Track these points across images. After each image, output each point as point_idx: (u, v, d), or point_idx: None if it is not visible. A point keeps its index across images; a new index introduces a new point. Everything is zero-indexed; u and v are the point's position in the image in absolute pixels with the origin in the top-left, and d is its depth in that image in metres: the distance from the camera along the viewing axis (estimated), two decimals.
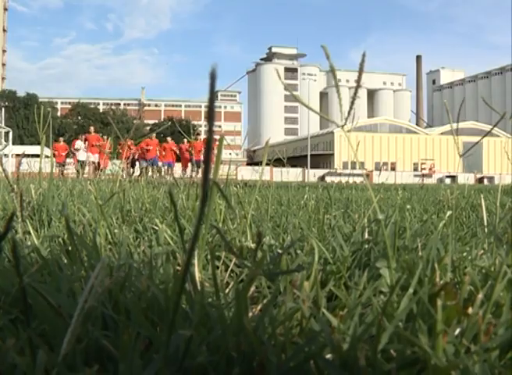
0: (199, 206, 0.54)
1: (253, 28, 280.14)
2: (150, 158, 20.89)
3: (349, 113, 0.80)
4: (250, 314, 0.79)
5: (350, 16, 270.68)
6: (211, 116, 0.56)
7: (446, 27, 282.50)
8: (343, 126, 0.82)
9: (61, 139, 24.01)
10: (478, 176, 47.86)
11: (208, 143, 0.55)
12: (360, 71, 0.77)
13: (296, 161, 58.54)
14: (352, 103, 0.80)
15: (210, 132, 0.58)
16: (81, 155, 21.15)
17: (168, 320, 0.72)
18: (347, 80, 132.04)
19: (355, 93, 0.79)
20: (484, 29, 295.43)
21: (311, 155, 61.33)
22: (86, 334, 0.70)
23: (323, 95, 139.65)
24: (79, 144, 21.80)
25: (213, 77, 0.56)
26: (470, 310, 0.80)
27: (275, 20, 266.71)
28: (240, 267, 1.16)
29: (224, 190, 2.07)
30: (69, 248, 1.01)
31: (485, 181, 42.54)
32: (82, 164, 21.26)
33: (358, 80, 0.80)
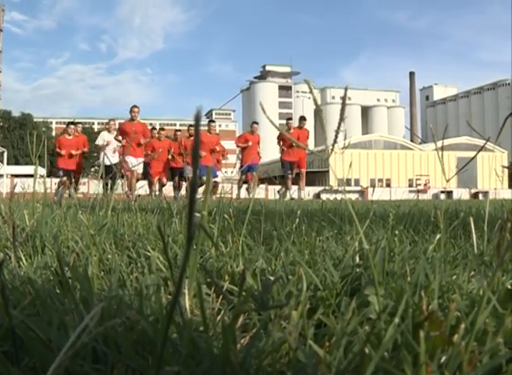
0: (185, 246, 0.56)
1: (246, 47, 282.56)
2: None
3: (333, 147, 0.82)
4: (239, 345, 0.80)
5: (342, 33, 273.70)
6: (195, 158, 0.58)
7: (437, 45, 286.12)
8: (327, 158, 0.84)
9: (72, 129, 13.85)
10: (473, 191, 47.99)
11: (193, 185, 0.57)
12: (343, 107, 0.79)
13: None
14: (336, 136, 0.82)
15: (195, 170, 0.59)
16: (110, 155, 12.80)
17: (156, 354, 0.73)
18: (341, 98, 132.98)
19: (338, 127, 0.81)
20: (474, 46, 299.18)
21: (307, 172, 61.44)
22: (76, 369, 0.71)
23: (317, 113, 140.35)
24: (104, 137, 13.41)
25: (198, 119, 0.58)
26: (455, 338, 0.81)
27: (268, 39, 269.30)
28: (232, 294, 1.17)
29: (218, 210, 2.09)
30: (62, 279, 1.03)
31: (480, 196, 42.66)
32: (108, 171, 10.69)
33: (341, 115, 0.83)
